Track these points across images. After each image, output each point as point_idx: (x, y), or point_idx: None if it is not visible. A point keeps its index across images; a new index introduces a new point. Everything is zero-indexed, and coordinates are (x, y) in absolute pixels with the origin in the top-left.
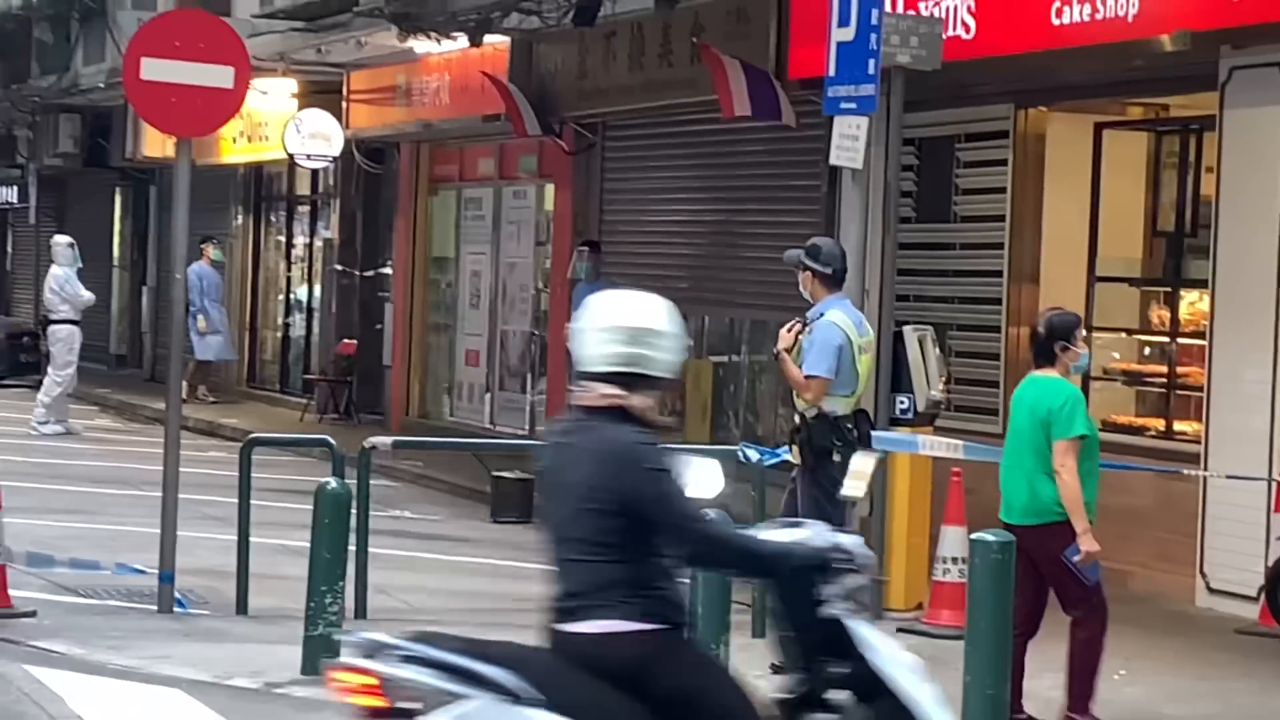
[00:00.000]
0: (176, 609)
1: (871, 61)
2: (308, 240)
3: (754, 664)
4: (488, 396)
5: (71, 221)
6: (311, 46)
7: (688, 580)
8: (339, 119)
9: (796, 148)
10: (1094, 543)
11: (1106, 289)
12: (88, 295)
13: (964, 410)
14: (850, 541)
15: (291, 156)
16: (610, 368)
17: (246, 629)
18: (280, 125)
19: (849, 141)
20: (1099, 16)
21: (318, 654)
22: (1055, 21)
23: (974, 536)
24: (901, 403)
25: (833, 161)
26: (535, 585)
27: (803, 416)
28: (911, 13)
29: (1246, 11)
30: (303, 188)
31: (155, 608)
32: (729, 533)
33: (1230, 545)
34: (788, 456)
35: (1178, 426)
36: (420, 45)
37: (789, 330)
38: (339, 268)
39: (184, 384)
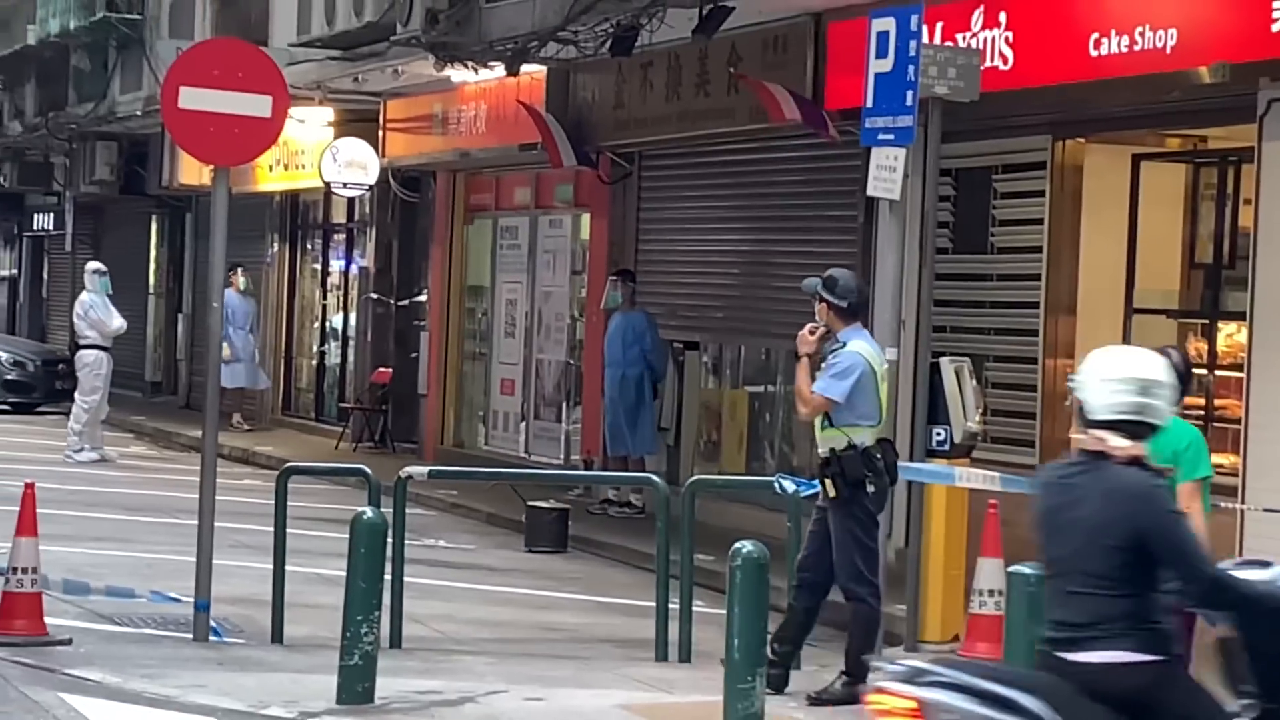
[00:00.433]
0: (212, 637)
1: (909, 93)
2: (343, 268)
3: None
4: (522, 425)
5: (107, 249)
6: (348, 75)
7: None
8: (375, 147)
9: (833, 178)
10: None
11: (1143, 321)
12: (118, 323)
13: (1000, 442)
14: None
15: (328, 185)
16: (1118, 416)
17: (281, 658)
18: (317, 153)
19: (886, 173)
20: (1137, 48)
21: (353, 683)
22: (1093, 53)
23: (1011, 569)
24: (938, 434)
25: (870, 192)
26: (568, 615)
27: (833, 450)
28: (949, 44)
29: None
30: (339, 216)
31: (190, 636)
32: (1230, 576)
33: None
34: (821, 495)
35: (1215, 459)
36: (457, 74)
37: (813, 334)
38: (374, 296)
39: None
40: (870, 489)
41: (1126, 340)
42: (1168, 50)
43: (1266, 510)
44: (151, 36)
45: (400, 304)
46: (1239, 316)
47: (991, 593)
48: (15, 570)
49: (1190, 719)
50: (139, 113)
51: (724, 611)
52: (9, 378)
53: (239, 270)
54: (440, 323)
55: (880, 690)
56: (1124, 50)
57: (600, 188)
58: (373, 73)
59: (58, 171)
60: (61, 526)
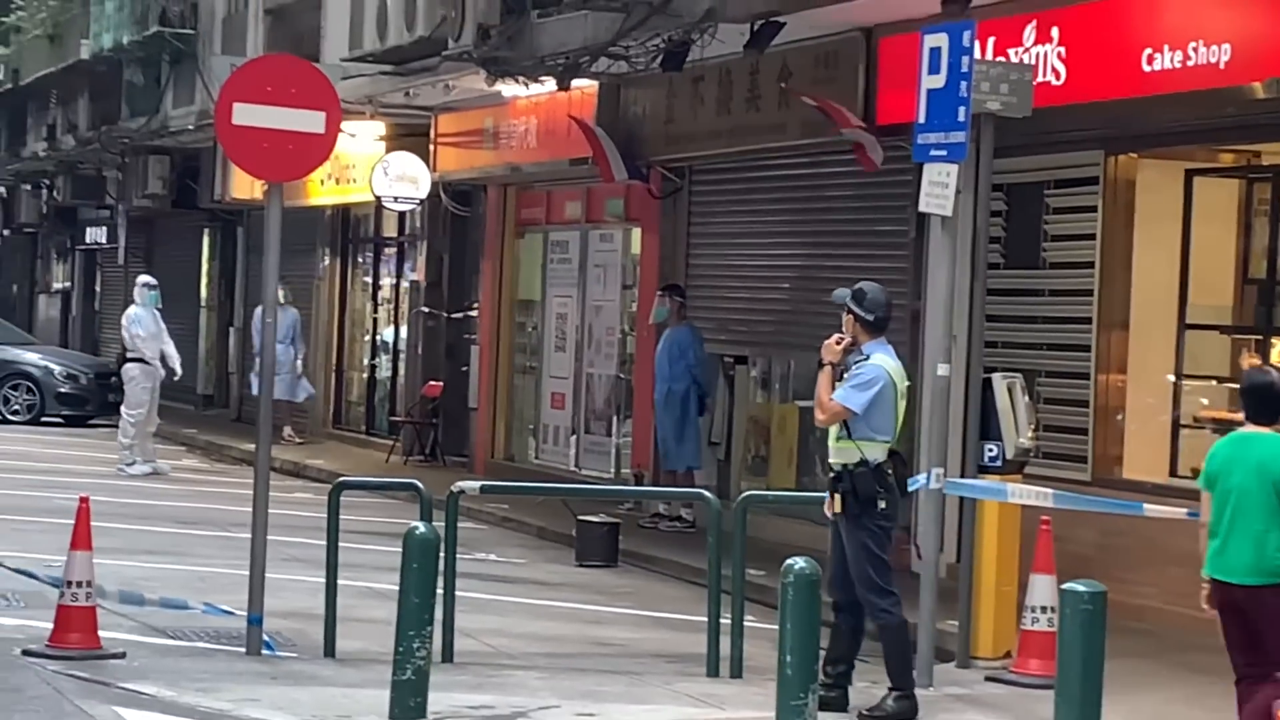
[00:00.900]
0: (265, 651)
1: (962, 109)
2: (394, 282)
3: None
4: (573, 439)
5: (159, 262)
6: (400, 90)
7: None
8: (426, 162)
9: (884, 192)
10: None
11: (1196, 336)
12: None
13: (1052, 457)
14: None
15: (379, 199)
16: None
17: (334, 672)
18: (368, 168)
19: (938, 189)
20: (1190, 64)
21: (405, 698)
22: (1146, 68)
23: (1064, 587)
24: (990, 450)
25: (922, 209)
26: (619, 630)
27: (845, 466)
28: (1001, 59)
29: None
30: (390, 230)
31: (244, 650)
32: None
33: None
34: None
35: None
36: (508, 89)
37: (838, 344)
38: (425, 310)
39: None
40: (881, 504)
41: (1179, 356)
42: (1221, 66)
43: None
44: (204, 51)
45: (451, 317)
46: None
47: (1044, 609)
48: (70, 584)
49: None
50: (191, 127)
51: (775, 626)
52: (62, 390)
53: (281, 283)
54: (491, 336)
55: None
56: (1177, 66)
57: (651, 202)
58: (424, 87)
59: (110, 185)
60: (115, 540)
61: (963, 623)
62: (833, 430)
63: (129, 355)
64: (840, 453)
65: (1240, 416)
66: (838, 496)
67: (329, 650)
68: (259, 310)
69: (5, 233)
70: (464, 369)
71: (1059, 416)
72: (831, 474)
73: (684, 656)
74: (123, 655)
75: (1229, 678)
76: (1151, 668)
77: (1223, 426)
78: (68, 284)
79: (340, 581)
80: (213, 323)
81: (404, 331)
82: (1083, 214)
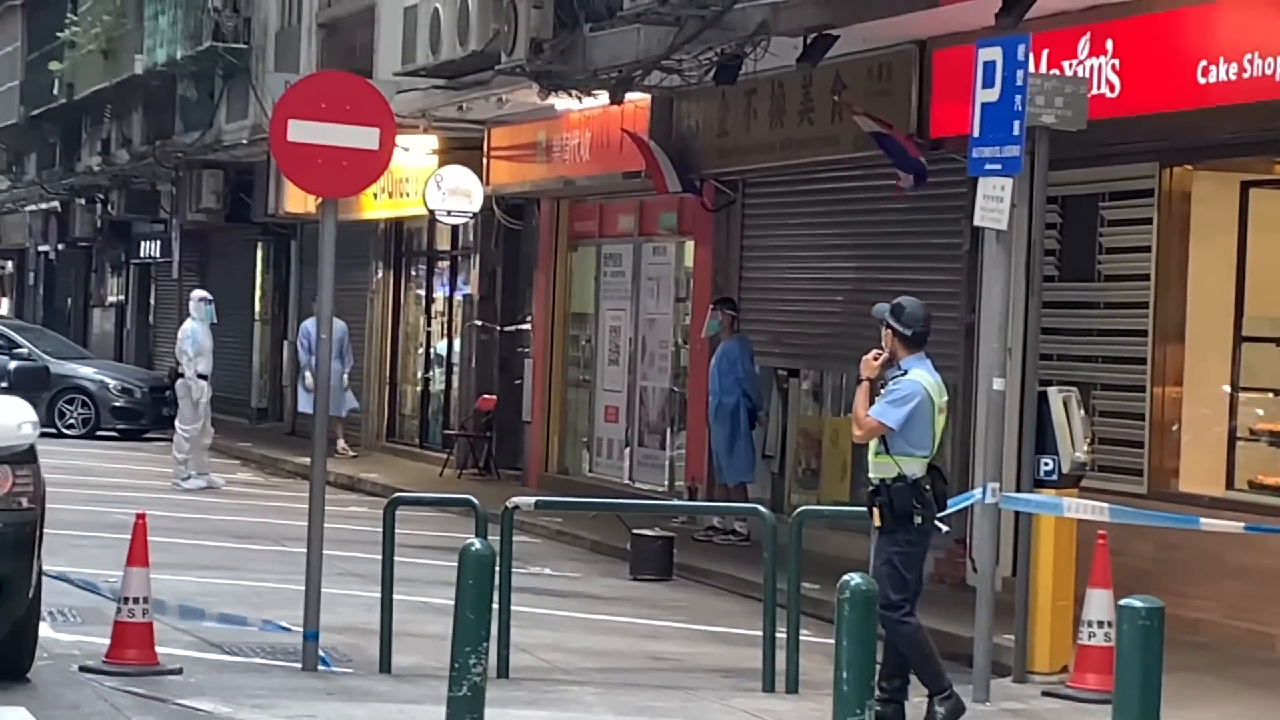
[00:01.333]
0: (320, 667)
1: (1016, 123)
2: (447, 295)
3: None
4: (627, 452)
5: (213, 276)
6: (453, 104)
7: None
8: (479, 175)
9: (938, 205)
10: None
11: (1253, 349)
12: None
13: (1108, 470)
14: None
15: (432, 212)
16: None
17: (390, 688)
18: (421, 181)
19: (993, 203)
20: (1245, 75)
21: (461, 714)
22: (1201, 80)
23: (1122, 603)
24: (1046, 464)
25: (977, 223)
26: (674, 644)
27: (883, 480)
28: (1055, 72)
29: None
30: (443, 243)
31: (300, 665)
32: None
33: None
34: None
35: None
36: (561, 102)
37: (876, 360)
38: (479, 323)
39: None
40: (917, 520)
41: (1235, 368)
42: (1277, 78)
43: None
44: (257, 66)
45: (504, 331)
46: None
47: (1101, 624)
48: (127, 600)
49: None
50: (245, 141)
51: (830, 641)
52: (117, 405)
53: None
54: (544, 349)
55: None
56: (1232, 78)
57: (704, 215)
58: (477, 101)
59: (164, 199)
60: (171, 555)
61: (1019, 637)
62: (871, 445)
63: (182, 370)
64: (878, 467)
65: None
66: (875, 510)
67: (384, 666)
68: (305, 324)
69: (60, 247)
70: (517, 382)
71: (1115, 429)
72: (870, 488)
73: (739, 671)
74: (179, 671)
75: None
76: (1209, 682)
77: (1277, 439)
78: (122, 297)
79: (395, 596)
80: (266, 336)
81: (457, 345)
82: (1138, 226)
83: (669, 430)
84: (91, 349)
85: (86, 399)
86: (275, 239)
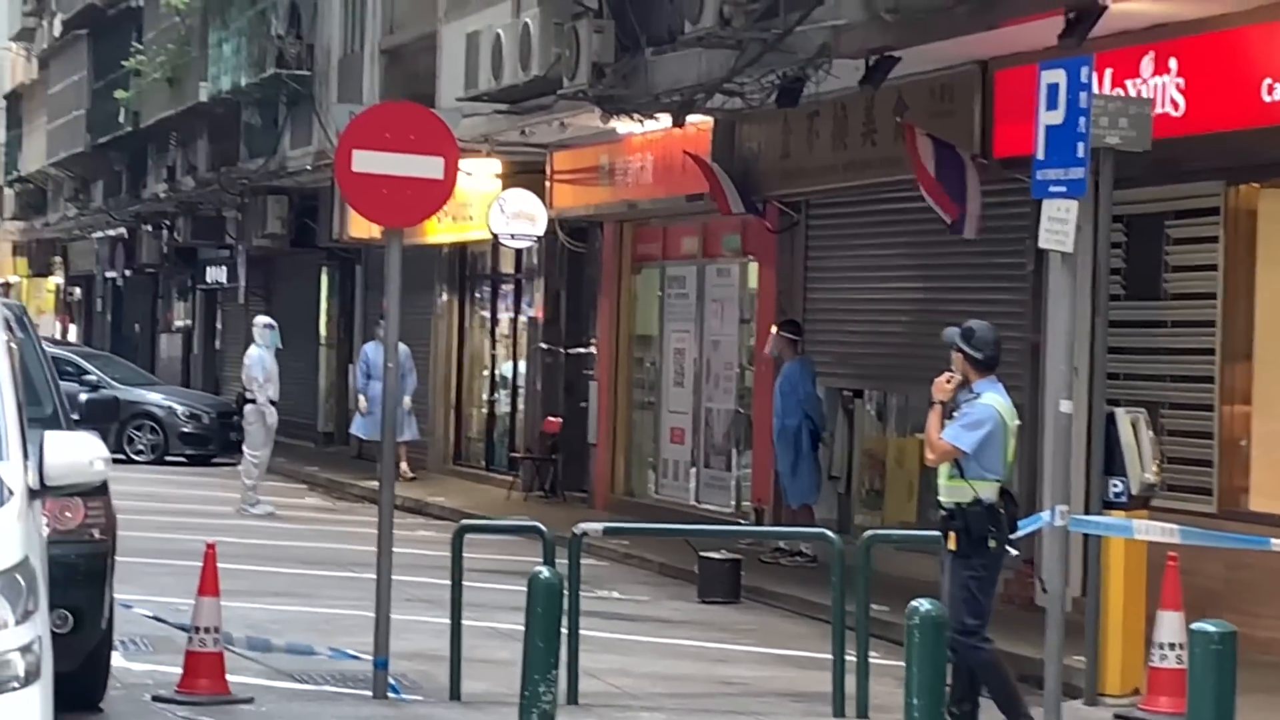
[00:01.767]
0: (390, 694)
1: (1081, 145)
2: (512, 318)
3: None
4: (692, 473)
5: (279, 300)
6: (515, 128)
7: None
8: (543, 198)
9: (1001, 226)
10: None
11: None
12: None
13: (1176, 489)
14: None
15: (496, 236)
16: None
17: (459, 715)
18: (484, 205)
19: (1058, 225)
20: None
21: None
22: (1266, 98)
23: (1194, 626)
24: (1115, 486)
25: (1042, 245)
26: (743, 668)
27: (958, 504)
28: (1119, 91)
29: None
30: (507, 266)
31: (370, 693)
32: None
33: None
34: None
35: None
36: (623, 126)
37: (948, 383)
38: (543, 346)
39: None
40: (992, 544)
41: None
42: None
43: None
44: (320, 92)
45: (569, 353)
46: None
47: (1172, 645)
48: (198, 629)
49: None
50: (309, 167)
51: (899, 663)
52: (184, 430)
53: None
54: (609, 372)
55: None
56: None
57: (767, 236)
58: (539, 125)
59: (230, 225)
60: (241, 581)
61: (1090, 659)
62: (944, 469)
63: (248, 396)
64: (952, 491)
65: None
66: (950, 535)
67: (454, 693)
68: (365, 348)
69: (127, 273)
70: (583, 404)
71: (1183, 448)
72: (943, 512)
73: (809, 695)
74: (250, 700)
75: None
76: None
77: None
78: (188, 322)
79: (464, 622)
80: (332, 360)
81: (522, 367)
82: (1204, 244)
83: (734, 451)
84: (158, 374)
85: (155, 425)
86: (340, 263)
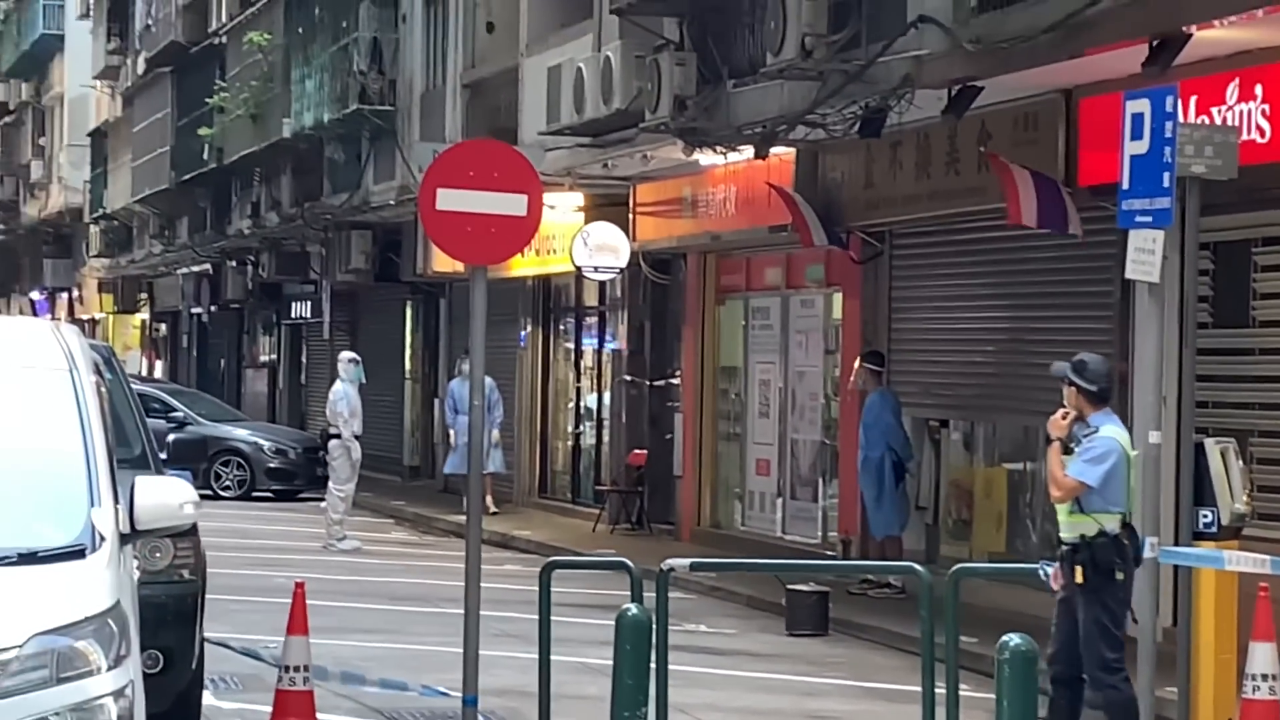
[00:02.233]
0: None
1: (1166, 174)
2: (596, 350)
3: None
4: (779, 504)
5: (363, 335)
6: (598, 161)
7: None
8: (626, 231)
9: (1088, 254)
10: None
11: None
12: (352, 424)
13: (1266, 518)
14: None
15: (579, 269)
16: None
17: None
18: (568, 238)
19: (1145, 255)
20: None
21: None
22: None
23: None
24: (1205, 516)
25: (1129, 275)
26: (833, 701)
27: (1084, 537)
28: (1204, 120)
29: None
30: (590, 299)
31: None
32: None
33: None
34: (1052, 581)
35: None
36: (705, 158)
37: (1064, 419)
38: (628, 378)
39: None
40: (1119, 575)
41: None
42: None
43: None
44: (403, 127)
45: (654, 385)
46: None
47: (1265, 677)
48: (288, 668)
49: None
50: (392, 201)
51: (989, 695)
52: (271, 466)
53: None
54: (694, 403)
55: None
56: None
57: (851, 266)
58: (622, 158)
59: (314, 260)
60: (329, 618)
61: (1182, 691)
62: (1063, 505)
63: (331, 431)
64: (1074, 526)
65: None
66: (1077, 569)
67: None
68: (452, 384)
69: (212, 308)
70: (668, 436)
71: (1273, 477)
72: (1066, 547)
73: None
74: None
75: None
76: None
77: None
78: (274, 357)
79: (552, 657)
80: (417, 394)
81: (607, 399)
82: None
83: (821, 482)
84: (244, 409)
85: (241, 461)
86: (424, 297)
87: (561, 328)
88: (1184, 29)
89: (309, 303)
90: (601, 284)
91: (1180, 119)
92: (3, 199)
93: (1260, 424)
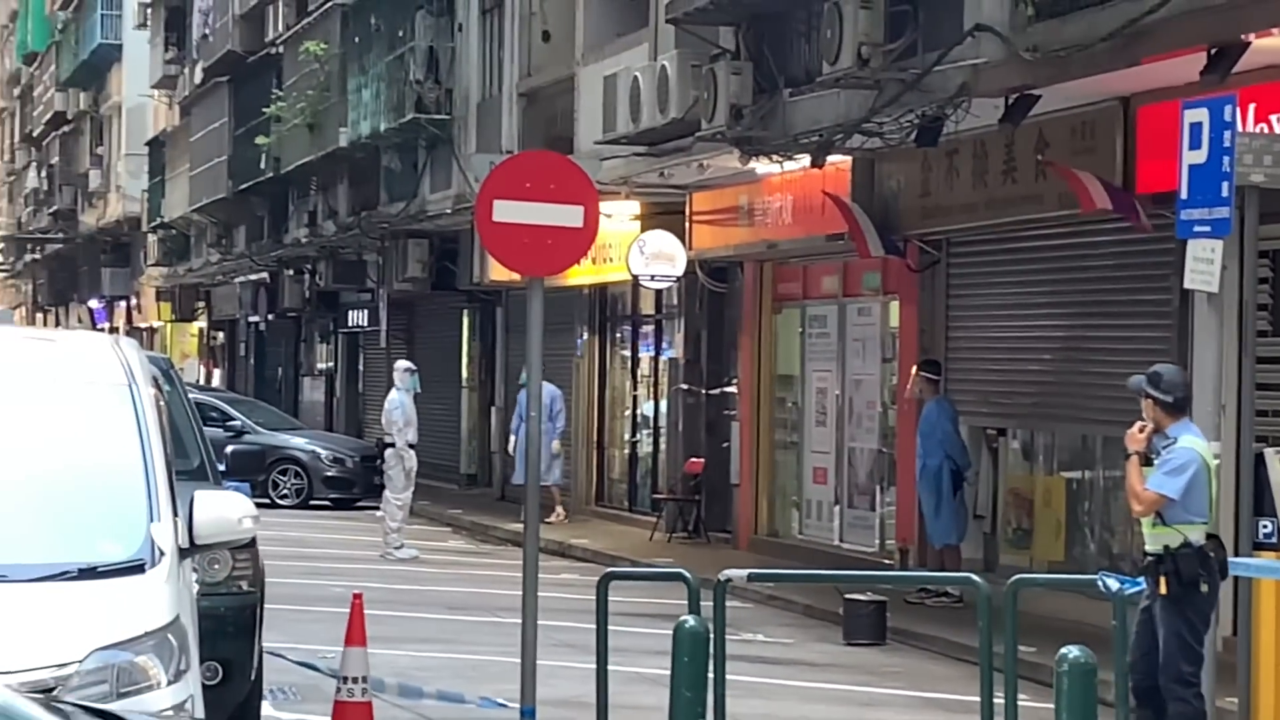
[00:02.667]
0: None
1: (1225, 184)
2: (653, 358)
3: None
4: (836, 512)
5: (420, 343)
6: (654, 170)
7: None
8: (682, 239)
9: (1145, 262)
10: None
11: None
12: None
13: None
14: None
15: (636, 277)
16: None
17: None
18: (624, 246)
19: (1203, 265)
20: None
21: None
22: None
23: None
24: (1265, 527)
25: (1187, 285)
26: (891, 712)
27: (1167, 548)
28: (1262, 127)
29: None
30: (647, 307)
31: None
32: None
33: None
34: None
35: None
36: (762, 166)
37: (1141, 432)
38: (684, 386)
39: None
40: (1204, 588)
41: None
42: None
43: None
44: (460, 136)
45: (710, 393)
46: None
47: None
48: (346, 679)
49: None
50: (449, 211)
51: (1048, 705)
52: (329, 474)
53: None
54: (751, 412)
55: None
56: None
57: (908, 274)
58: (678, 167)
59: (371, 269)
60: (387, 628)
61: (1242, 701)
62: (1146, 518)
63: (386, 440)
64: (1159, 538)
65: None
66: (1161, 579)
67: None
68: (521, 394)
69: (270, 317)
70: (725, 445)
71: None
72: (1150, 558)
73: None
74: None
75: None
76: None
77: None
78: (331, 365)
79: (609, 667)
80: (474, 402)
81: (664, 408)
82: None
83: (878, 491)
84: (301, 417)
85: (299, 469)
86: (481, 306)
87: (618, 336)
88: (1242, 37)
89: (366, 311)
90: (658, 292)
91: (1239, 128)
92: (61, 208)
93: None
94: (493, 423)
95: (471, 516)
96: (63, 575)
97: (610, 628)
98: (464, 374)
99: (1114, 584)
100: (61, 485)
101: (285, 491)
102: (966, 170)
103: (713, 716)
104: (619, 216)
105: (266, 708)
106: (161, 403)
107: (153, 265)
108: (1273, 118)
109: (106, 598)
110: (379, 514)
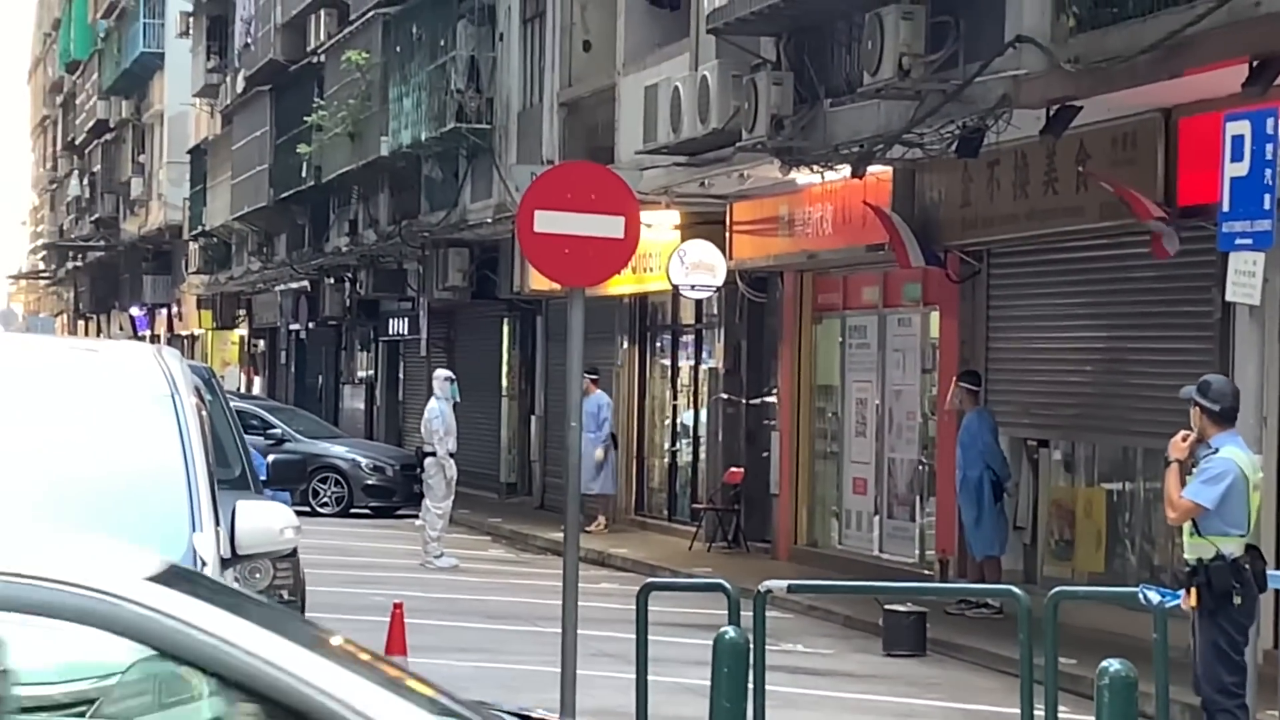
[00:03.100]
0: None
1: (1267, 197)
2: (692, 368)
3: None
4: (875, 522)
5: (460, 352)
6: (695, 180)
7: None
8: (722, 249)
9: (1186, 274)
10: None
11: None
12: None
13: None
14: None
15: (676, 287)
16: None
17: None
18: (664, 256)
19: (1245, 278)
20: None
21: None
22: None
23: None
24: None
25: (1229, 298)
26: None
27: (1200, 560)
28: None
29: None
30: (687, 317)
31: None
32: None
33: None
34: (1181, 602)
35: None
36: (802, 177)
37: (1184, 440)
38: (724, 396)
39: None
40: (1237, 600)
41: None
42: None
43: None
44: (501, 145)
45: (750, 403)
46: None
47: None
48: None
49: None
50: (489, 220)
51: (1087, 718)
52: (369, 483)
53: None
54: (791, 422)
55: None
56: None
57: (949, 285)
58: (719, 177)
59: (411, 278)
60: (427, 637)
61: None
62: (1185, 526)
63: (426, 449)
64: (1194, 548)
65: None
66: (1192, 591)
67: None
68: (586, 403)
69: (310, 325)
70: (764, 455)
71: None
72: (1186, 569)
73: None
74: None
75: None
76: None
77: None
78: (371, 373)
79: (649, 677)
80: (514, 411)
81: (704, 417)
82: None
83: (918, 501)
84: (342, 425)
85: (340, 477)
86: (521, 315)
87: (658, 345)
88: None
89: (406, 320)
90: (698, 302)
91: None
92: (103, 216)
93: None
94: (532, 431)
95: (511, 525)
96: None
97: (650, 638)
98: (504, 383)
99: (1155, 596)
100: (104, 496)
101: (325, 500)
102: (1007, 181)
103: None
104: (659, 226)
105: None
106: (204, 413)
107: (194, 273)
108: None
109: None
110: (419, 523)
